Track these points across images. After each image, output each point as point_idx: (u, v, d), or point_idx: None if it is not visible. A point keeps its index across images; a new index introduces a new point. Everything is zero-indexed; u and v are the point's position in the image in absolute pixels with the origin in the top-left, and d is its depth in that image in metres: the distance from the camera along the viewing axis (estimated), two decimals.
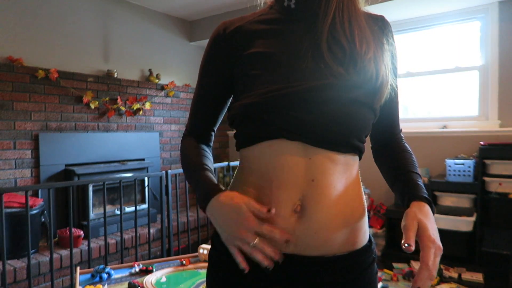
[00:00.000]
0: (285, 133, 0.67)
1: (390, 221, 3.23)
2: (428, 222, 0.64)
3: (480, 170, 2.77)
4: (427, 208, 0.67)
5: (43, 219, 2.61)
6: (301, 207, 0.66)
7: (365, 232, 0.73)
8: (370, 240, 0.74)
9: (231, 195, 0.67)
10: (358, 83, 0.67)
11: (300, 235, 0.66)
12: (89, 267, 2.41)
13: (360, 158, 0.74)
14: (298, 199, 0.66)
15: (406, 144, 0.84)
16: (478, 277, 2.65)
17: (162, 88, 3.79)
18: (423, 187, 0.73)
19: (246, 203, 0.65)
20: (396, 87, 0.77)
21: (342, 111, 0.67)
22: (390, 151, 0.83)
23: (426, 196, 0.70)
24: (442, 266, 2.75)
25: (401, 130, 0.86)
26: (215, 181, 0.74)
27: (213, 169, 0.78)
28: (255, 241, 0.62)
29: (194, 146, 0.83)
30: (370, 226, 3.21)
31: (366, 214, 0.74)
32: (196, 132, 0.85)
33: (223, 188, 0.70)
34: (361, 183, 0.74)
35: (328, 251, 0.67)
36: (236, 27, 0.77)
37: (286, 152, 0.67)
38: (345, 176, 0.69)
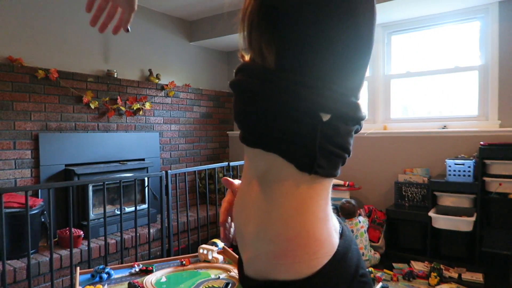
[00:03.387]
0: None
1: (390, 221, 3.23)
2: None
3: (480, 170, 2.77)
4: None
5: (43, 219, 2.61)
6: None
7: (292, 265, 0.53)
8: (310, 278, 0.52)
9: None
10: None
11: None
12: (89, 267, 2.41)
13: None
14: None
15: None
16: (478, 277, 2.65)
17: (162, 88, 3.79)
18: None
19: None
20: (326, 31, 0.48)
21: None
22: None
23: None
24: (442, 266, 2.75)
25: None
26: None
27: None
28: None
29: None
30: (369, 240, 3.07)
31: (311, 245, 0.53)
32: None
33: None
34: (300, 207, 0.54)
35: (249, 270, 0.61)
36: None
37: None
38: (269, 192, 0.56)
